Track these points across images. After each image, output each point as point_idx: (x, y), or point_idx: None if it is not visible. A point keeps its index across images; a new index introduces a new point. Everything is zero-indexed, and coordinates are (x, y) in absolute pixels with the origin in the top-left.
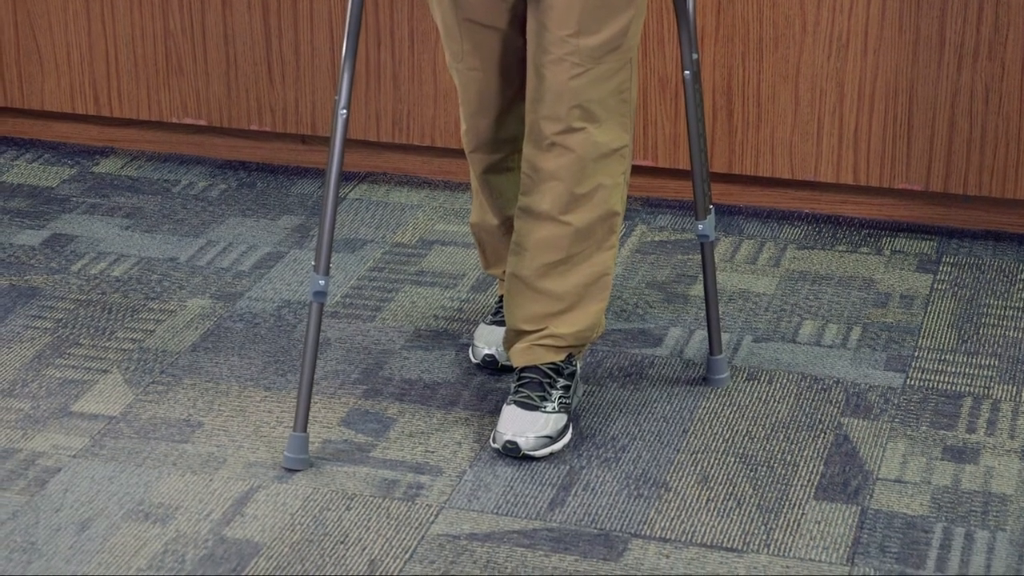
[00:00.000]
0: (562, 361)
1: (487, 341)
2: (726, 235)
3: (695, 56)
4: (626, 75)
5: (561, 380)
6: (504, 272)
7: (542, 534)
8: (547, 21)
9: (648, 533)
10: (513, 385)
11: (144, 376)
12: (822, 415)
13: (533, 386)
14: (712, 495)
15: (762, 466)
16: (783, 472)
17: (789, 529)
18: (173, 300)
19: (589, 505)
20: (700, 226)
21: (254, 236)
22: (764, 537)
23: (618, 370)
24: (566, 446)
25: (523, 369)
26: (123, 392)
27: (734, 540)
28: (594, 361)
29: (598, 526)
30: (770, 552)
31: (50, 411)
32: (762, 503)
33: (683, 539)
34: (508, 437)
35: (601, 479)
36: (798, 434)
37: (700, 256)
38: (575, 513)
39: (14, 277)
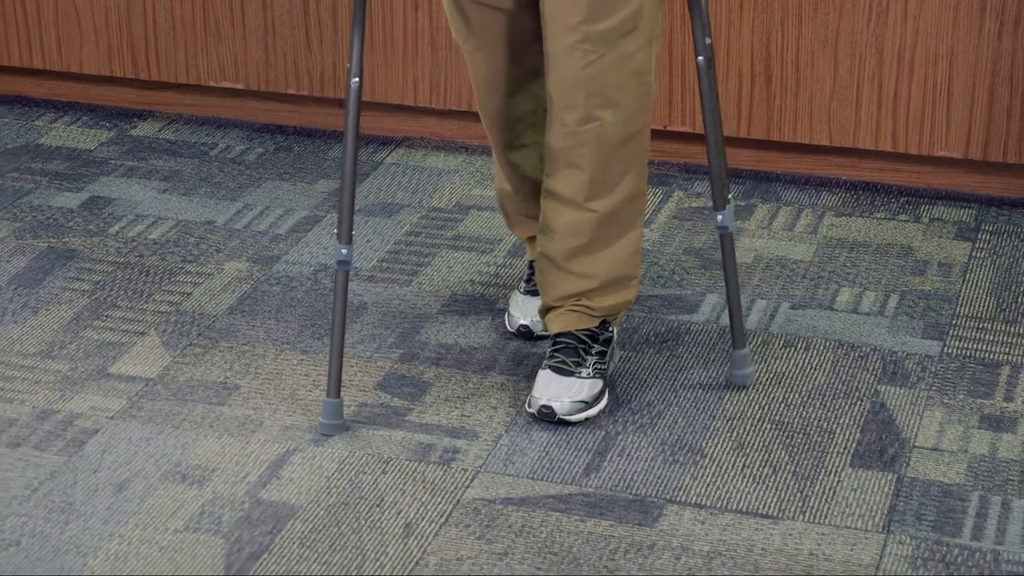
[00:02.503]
0: (597, 327)
1: (522, 311)
2: (763, 202)
3: (708, 41)
4: (645, 56)
5: (596, 346)
6: (527, 236)
7: (577, 499)
8: (555, 9)
9: (683, 499)
10: (548, 350)
11: (181, 339)
12: (859, 382)
13: (568, 351)
14: (748, 462)
15: (798, 433)
16: (819, 439)
17: (825, 496)
18: (210, 263)
19: (624, 471)
20: (719, 217)
21: (291, 200)
22: (800, 504)
23: (654, 336)
24: (601, 411)
25: (558, 334)
26: (160, 354)
27: (769, 507)
28: (630, 327)
29: (633, 492)
30: (806, 519)
31: (88, 373)
32: (798, 470)
33: (718, 505)
34: (544, 401)
35: (636, 445)
36: (834, 401)
37: (720, 249)
38: (610, 478)
39: (52, 239)
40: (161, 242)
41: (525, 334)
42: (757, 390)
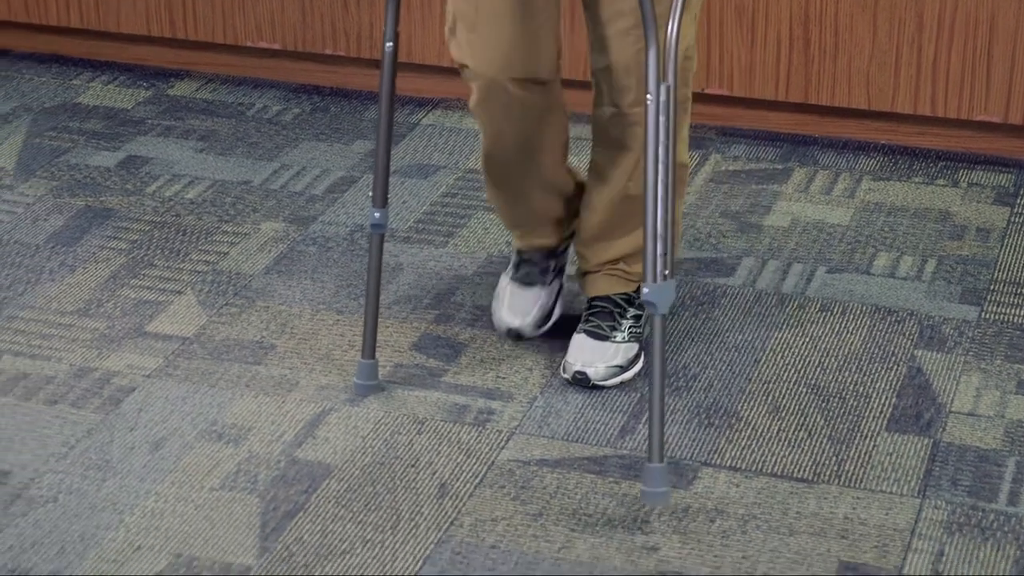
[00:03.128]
0: (633, 291)
1: (511, 308)
2: (801, 166)
3: (665, 84)
4: (691, 33)
5: (632, 310)
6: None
7: (612, 461)
8: None
9: (718, 462)
10: (584, 314)
11: (218, 298)
12: (895, 347)
13: (604, 315)
14: (783, 425)
15: (834, 397)
16: (855, 404)
17: (860, 461)
18: (247, 223)
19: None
20: (645, 290)
21: (327, 160)
22: (835, 468)
23: (690, 299)
24: (637, 375)
25: (594, 298)
26: (197, 313)
27: (805, 470)
28: None
29: (668, 454)
30: (841, 483)
31: (125, 331)
32: (833, 434)
33: (753, 469)
34: (577, 367)
35: (671, 407)
36: (871, 366)
37: (651, 326)
38: (646, 441)
39: (89, 198)
40: (198, 202)
41: (516, 336)
42: (793, 354)
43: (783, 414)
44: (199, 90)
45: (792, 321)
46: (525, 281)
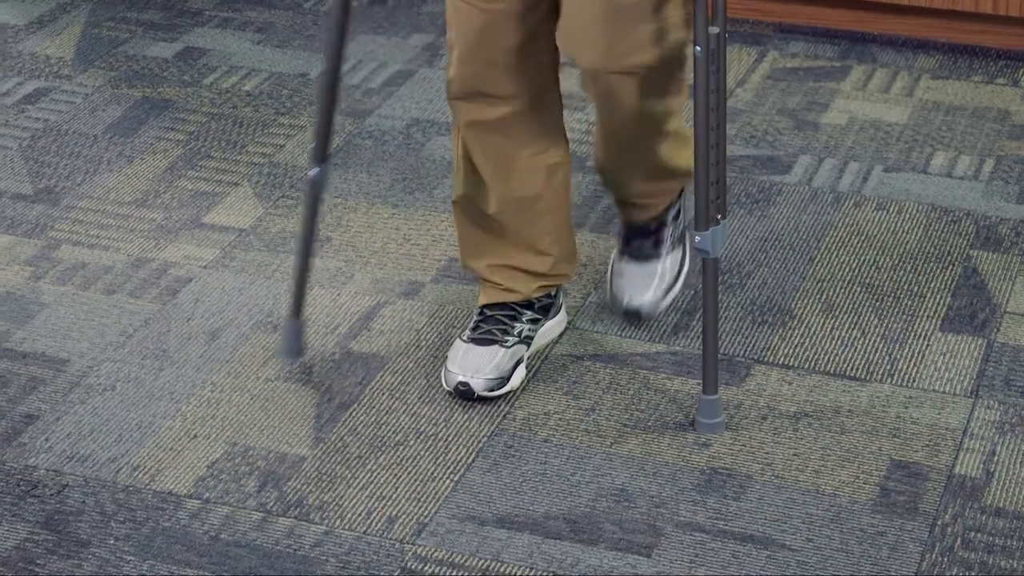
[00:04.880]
0: (676, 198)
1: (461, 365)
2: (859, 63)
3: (714, 30)
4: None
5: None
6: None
7: (665, 357)
8: None
9: (771, 359)
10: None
11: (274, 190)
12: (951, 247)
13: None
14: (836, 324)
15: (888, 296)
16: (909, 303)
17: (913, 360)
18: (303, 116)
19: (717, 327)
20: (697, 238)
21: (384, 53)
22: (888, 367)
23: (745, 196)
24: (686, 279)
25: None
26: (253, 205)
27: (857, 369)
28: None
29: (721, 351)
30: (893, 382)
31: (182, 222)
32: (887, 333)
33: (806, 366)
34: (628, 301)
35: (725, 304)
36: (926, 265)
37: (702, 272)
38: (698, 338)
39: (147, 89)
40: (255, 94)
41: (465, 393)
42: (848, 252)
43: (837, 312)
44: None
45: (847, 220)
46: (482, 340)
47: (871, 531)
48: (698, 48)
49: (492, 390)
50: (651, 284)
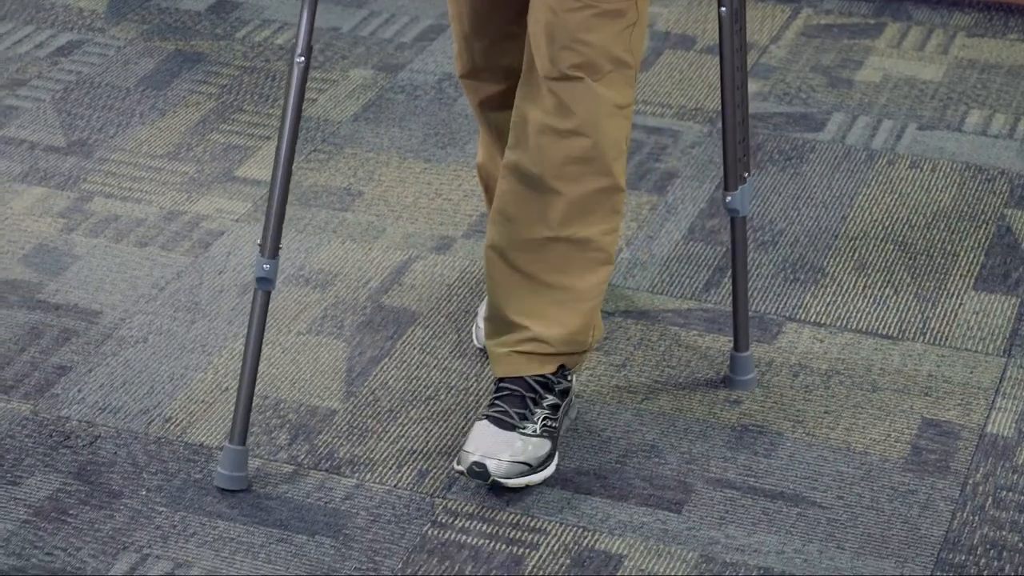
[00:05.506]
0: (552, 374)
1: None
2: (894, 20)
3: None
4: (640, 44)
5: (549, 397)
6: None
7: (696, 314)
8: None
9: (803, 317)
10: (491, 397)
11: (306, 144)
12: (985, 205)
13: (513, 400)
14: (869, 282)
15: (921, 254)
16: (942, 261)
17: (946, 318)
18: (335, 70)
19: (747, 284)
20: (728, 198)
21: (417, 8)
22: (920, 326)
23: (778, 153)
24: (546, 480)
25: (502, 379)
26: None
27: (890, 327)
28: (754, 144)
29: (753, 308)
30: (925, 341)
31: (214, 175)
32: (919, 291)
33: (838, 324)
34: (476, 458)
35: (757, 262)
36: (959, 224)
37: (731, 231)
38: (731, 295)
39: (180, 42)
40: (287, 47)
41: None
42: (881, 210)
43: (869, 270)
44: None
45: (881, 177)
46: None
47: (902, 489)
48: (723, 8)
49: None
50: (510, 450)
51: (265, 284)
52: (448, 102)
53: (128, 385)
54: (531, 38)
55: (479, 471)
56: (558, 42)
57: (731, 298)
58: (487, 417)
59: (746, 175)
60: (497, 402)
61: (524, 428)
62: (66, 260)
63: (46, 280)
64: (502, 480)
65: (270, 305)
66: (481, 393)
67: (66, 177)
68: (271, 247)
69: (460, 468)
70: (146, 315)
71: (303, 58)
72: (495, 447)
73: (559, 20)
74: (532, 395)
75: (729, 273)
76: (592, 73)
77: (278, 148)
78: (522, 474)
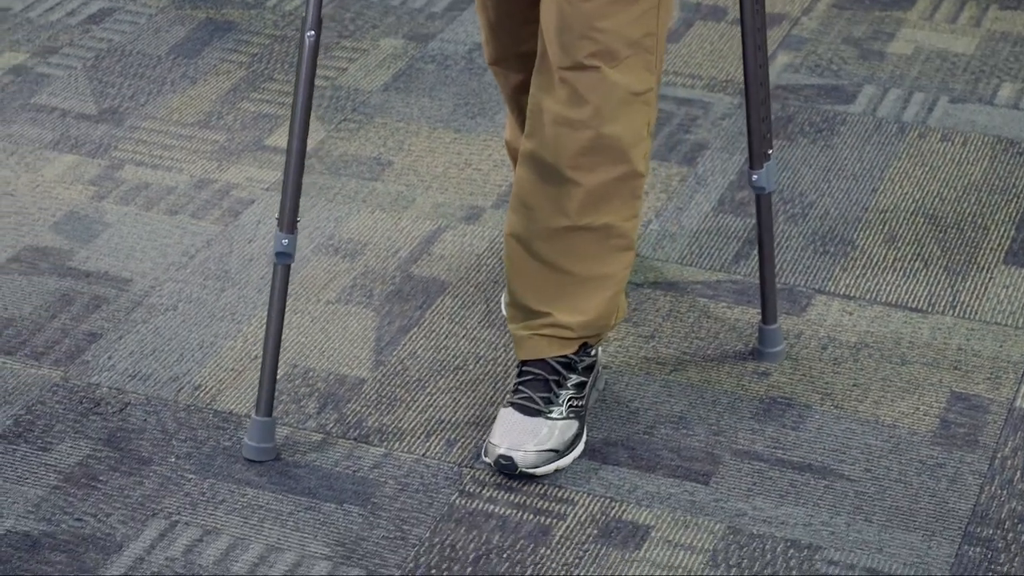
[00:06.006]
0: (574, 353)
1: None
2: None
3: None
4: (665, 23)
5: (573, 376)
6: None
7: (726, 286)
8: None
9: (832, 290)
10: (514, 383)
11: (336, 114)
12: (1016, 179)
13: (536, 385)
14: (899, 255)
15: (952, 228)
16: (973, 235)
17: (976, 292)
18: (366, 39)
19: (774, 259)
20: (755, 176)
21: None
22: (950, 299)
23: (809, 125)
24: (575, 461)
25: (525, 363)
26: (315, 128)
27: (919, 300)
28: (785, 116)
29: (782, 281)
30: (955, 314)
31: (244, 144)
32: (950, 265)
33: (867, 297)
34: (502, 451)
35: (787, 234)
36: (990, 197)
37: (756, 208)
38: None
39: (211, 10)
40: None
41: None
42: (911, 183)
43: (899, 243)
44: None
45: (912, 150)
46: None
47: (930, 463)
48: None
49: None
50: (536, 438)
51: (284, 258)
52: (478, 72)
53: (158, 352)
54: (543, 28)
55: (506, 463)
56: (575, 31)
57: (759, 271)
58: (512, 404)
59: (769, 152)
60: (521, 388)
61: (550, 412)
62: (97, 228)
63: (77, 247)
64: (530, 471)
65: (300, 274)
66: (510, 364)
67: (97, 145)
68: (288, 222)
69: (487, 460)
70: (176, 283)
71: (313, 32)
72: (521, 437)
73: (574, 9)
74: (555, 377)
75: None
76: (609, 60)
77: (292, 124)
78: (549, 461)
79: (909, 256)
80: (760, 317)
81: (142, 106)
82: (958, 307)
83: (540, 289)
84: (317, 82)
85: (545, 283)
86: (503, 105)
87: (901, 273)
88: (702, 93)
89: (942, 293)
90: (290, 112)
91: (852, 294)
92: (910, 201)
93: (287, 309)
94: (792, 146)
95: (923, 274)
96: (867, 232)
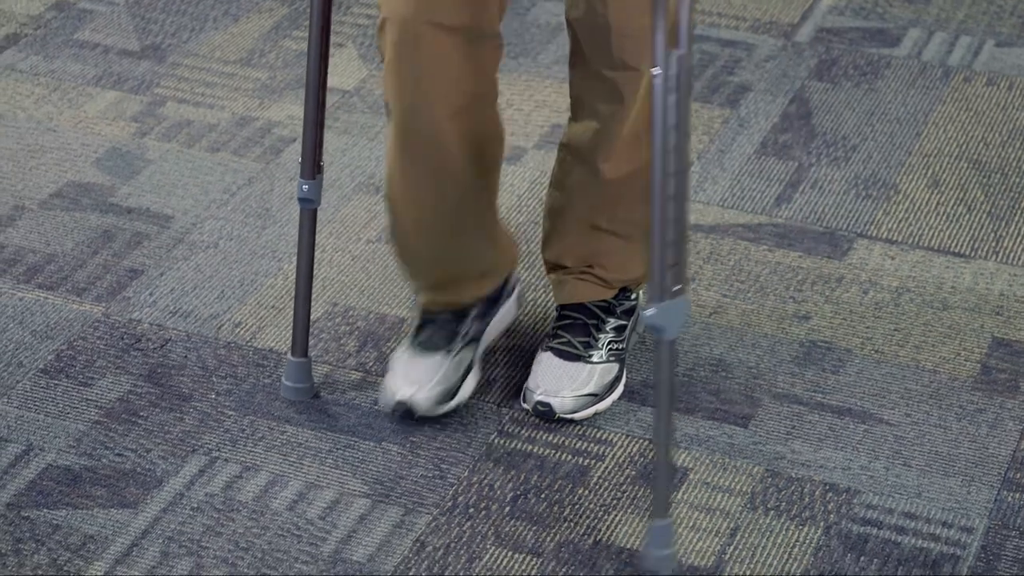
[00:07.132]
0: (613, 298)
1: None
2: None
3: (677, 52)
4: None
5: (612, 320)
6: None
7: (767, 229)
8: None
9: (874, 234)
10: (552, 327)
11: (378, 52)
12: None
13: (576, 329)
14: (942, 199)
15: (996, 173)
16: (1017, 180)
17: (1020, 237)
18: None
19: (816, 203)
20: (649, 311)
21: None
22: (993, 244)
23: (853, 68)
24: (615, 403)
25: (564, 307)
26: (357, 67)
27: (962, 245)
28: (829, 59)
29: (824, 224)
30: (998, 260)
31: (286, 82)
32: (993, 210)
33: (909, 242)
34: (539, 396)
35: (829, 178)
36: None
37: (656, 354)
38: (801, 210)
39: None
40: None
41: (407, 414)
42: (956, 127)
43: (942, 188)
44: None
45: (957, 94)
46: (426, 346)
47: (970, 408)
48: (655, 70)
49: None
50: (575, 383)
51: (308, 204)
52: (521, 12)
53: (198, 289)
54: (579, 31)
55: (544, 410)
56: (622, 32)
57: (803, 214)
58: (551, 349)
59: (676, 289)
60: (560, 332)
61: (590, 356)
62: (139, 164)
63: (119, 184)
64: (568, 416)
65: (341, 213)
66: (549, 306)
67: (139, 81)
68: (309, 168)
69: (525, 406)
70: (217, 220)
71: None
72: (558, 383)
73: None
74: (594, 321)
75: (802, 188)
76: (651, 58)
77: (308, 70)
78: (588, 405)
79: (952, 201)
80: (801, 259)
81: (184, 43)
82: (1001, 252)
83: (579, 247)
84: (359, 20)
85: (583, 242)
86: (546, 44)
87: (944, 218)
88: (746, 35)
89: (985, 238)
90: (307, 59)
91: (894, 238)
92: (954, 145)
93: (327, 247)
94: (836, 89)
95: (966, 219)
96: (910, 176)
